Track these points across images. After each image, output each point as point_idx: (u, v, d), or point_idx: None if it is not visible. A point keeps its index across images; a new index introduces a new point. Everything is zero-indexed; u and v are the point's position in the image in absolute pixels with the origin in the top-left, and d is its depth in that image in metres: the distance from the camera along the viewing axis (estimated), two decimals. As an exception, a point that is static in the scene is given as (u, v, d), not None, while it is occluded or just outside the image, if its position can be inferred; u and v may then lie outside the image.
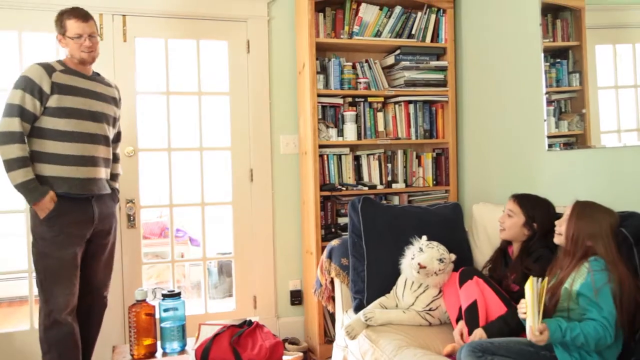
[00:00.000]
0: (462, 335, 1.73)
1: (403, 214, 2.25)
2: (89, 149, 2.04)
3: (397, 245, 2.07)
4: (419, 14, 2.77)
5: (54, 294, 1.98)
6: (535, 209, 1.84)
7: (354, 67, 2.74)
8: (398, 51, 2.74)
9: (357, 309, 2.08)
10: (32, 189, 1.93)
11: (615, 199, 1.81)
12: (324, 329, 2.66)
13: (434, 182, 2.86)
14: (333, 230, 2.69)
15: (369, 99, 2.78)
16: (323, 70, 2.73)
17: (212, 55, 2.82)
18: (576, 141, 2.08)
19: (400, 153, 2.84)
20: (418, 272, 1.91)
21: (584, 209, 1.53)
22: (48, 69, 1.99)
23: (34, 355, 2.42)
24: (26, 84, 1.94)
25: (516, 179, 2.39)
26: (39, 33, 2.48)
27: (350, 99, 2.77)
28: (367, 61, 2.76)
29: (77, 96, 2.02)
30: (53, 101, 1.97)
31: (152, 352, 1.78)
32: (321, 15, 2.67)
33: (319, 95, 2.65)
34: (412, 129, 2.83)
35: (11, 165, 1.92)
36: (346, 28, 2.69)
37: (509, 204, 1.90)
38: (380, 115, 2.80)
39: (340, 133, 2.73)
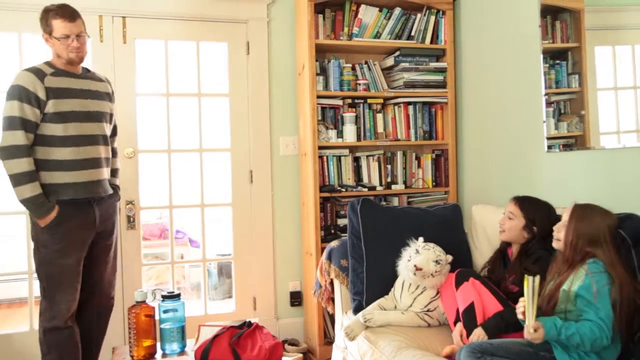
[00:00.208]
0: (462, 336, 1.73)
1: (402, 215, 2.25)
2: (91, 151, 2.02)
3: (396, 246, 2.07)
4: (419, 15, 2.77)
5: (56, 301, 1.97)
6: (536, 212, 1.84)
7: (353, 68, 2.74)
8: (397, 52, 2.75)
9: (357, 310, 2.09)
10: (39, 204, 1.90)
11: (614, 200, 1.81)
12: (323, 330, 2.66)
13: (434, 184, 2.87)
14: (332, 231, 2.70)
15: (369, 101, 2.78)
16: (323, 71, 2.73)
17: (212, 57, 2.83)
18: (575, 142, 2.08)
19: (399, 154, 2.84)
20: (414, 274, 1.92)
21: (583, 214, 1.52)
22: (39, 74, 1.92)
23: (33, 356, 2.42)
24: (21, 94, 1.89)
25: (516, 180, 2.40)
26: (38, 34, 2.47)
27: (349, 101, 2.77)
28: (366, 63, 2.77)
29: (72, 98, 1.98)
30: (50, 107, 1.93)
31: (151, 353, 1.78)
32: (321, 16, 2.67)
33: (319, 97, 2.66)
34: (412, 130, 2.83)
35: (18, 180, 1.88)
36: (346, 29, 2.69)
37: (509, 206, 1.90)
38: (379, 116, 2.80)
39: (340, 134, 2.74)
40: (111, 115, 2.18)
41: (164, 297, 1.84)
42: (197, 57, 2.76)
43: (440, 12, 2.78)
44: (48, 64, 2.00)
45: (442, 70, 2.80)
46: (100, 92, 2.10)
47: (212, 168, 2.92)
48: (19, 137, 1.88)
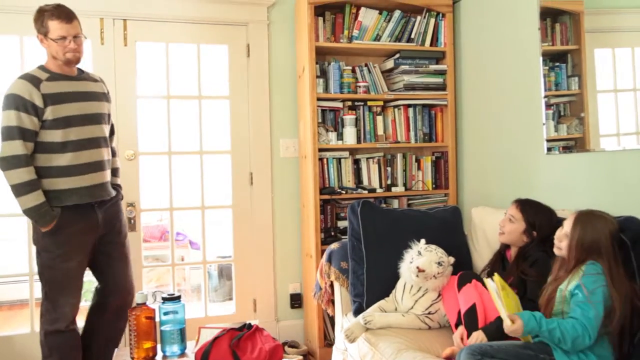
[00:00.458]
0: (462, 338, 1.73)
1: (402, 217, 2.26)
2: (93, 155, 2.01)
3: (396, 248, 2.08)
4: (418, 18, 2.78)
5: (59, 304, 1.97)
6: (537, 217, 1.84)
7: (353, 71, 2.75)
8: (397, 55, 2.75)
9: (357, 312, 2.09)
10: (42, 214, 1.89)
11: (614, 202, 1.83)
12: (323, 332, 2.67)
13: (434, 186, 2.87)
14: (333, 233, 2.70)
15: (369, 103, 2.79)
16: (323, 74, 2.74)
17: (213, 59, 2.84)
18: (575, 145, 2.08)
19: (399, 157, 2.85)
20: (417, 276, 1.92)
21: (585, 223, 1.52)
22: (34, 81, 1.88)
23: (34, 358, 2.42)
24: (17, 103, 1.85)
25: (515, 183, 2.40)
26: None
27: (349, 103, 2.78)
28: (366, 65, 2.78)
29: (71, 102, 1.95)
30: (48, 113, 1.89)
31: (152, 355, 1.79)
32: (321, 19, 2.68)
33: (319, 99, 2.66)
34: (412, 133, 2.84)
35: (19, 190, 1.87)
36: (346, 32, 2.70)
37: (511, 209, 1.91)
38: (379, 119, 2.81)
39: (340, 137, 2.75)
40: (109, 115, 2.16)
41: (165, 299, 1.84)
42: (197, 59, 2.77)
43: (440, 15, 2.79)
44: (42, 68, 1.95)
45: (441, 73, 2.80)
46: (97, 93, 2.07)
47: (212, 170, 2.93)
48: (18, 147, 1.86)
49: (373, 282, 2.11)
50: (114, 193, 2.12)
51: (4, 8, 2.44)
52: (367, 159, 2.82)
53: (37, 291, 2.24)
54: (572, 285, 1.48)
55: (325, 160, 2.72)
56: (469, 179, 2.79)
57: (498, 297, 1.51)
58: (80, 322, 2.12)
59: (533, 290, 1.70)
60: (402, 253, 2.04)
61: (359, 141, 2.75)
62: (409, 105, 2.83)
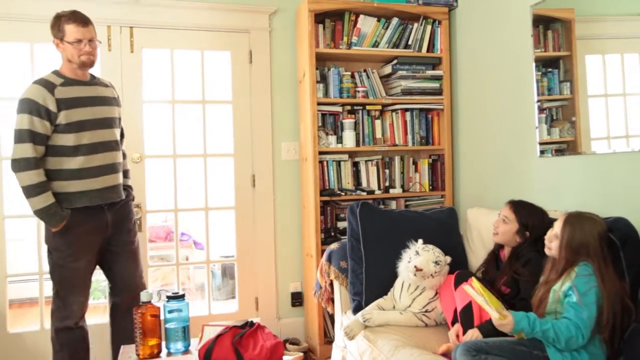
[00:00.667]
0: (457, 335, 1.75)
1: (400, 218, 2.28)
2: (104, 158, 2.03)
3: (394, 248, 2.10)
4: (415, 25, 2.81)
5: (69, 302, 2.01)
6: (529, 218, 1.86)
7: (352, 76, 2.78)
8: (395, 61, 2.79)
9: (356, 310, 2.11)
10: (52, 214, 1.92)
11: (605, 203, 1.84)
12: (323, 329, 2.69)
13: (430, 188, 2.90)
14: (332, 234, 2.73)
15: (367, 107, 2.82)
16: (323, 79, 2.77)
17: (216, 65, 2.87)
18: (567, 148, 2.11)
19: (397, 159, 2.88)
20: (414, 275, 1.94)
21: (574, 224, 1.55)
22: (48, 86, 1.92)
23: (44, 355, 2.47)
24: (31, 107, 1.89)
25: (509, 184, 2.42)
26: (50, 44, 2.54)
27: (349, 107, 2.81)
28: (365, 71, 2.81)
29: (84, 107, 1.98)
30: (62, 118, 1.93)
31: (157, 352, 1.79)
32: (321, 26, 2.71)
33: (319, 104, 2.70)
34: (409, 136, 2.87)
35: (29, 192, 1.90)
36: (345, 39, 2.73)
37: (504, 210, 1.92)
38: (378, 122, 2.84)
39: (340, 140, 2.78)
40: (119, 119, 2.20)
41: (169, 298, 1.83)
42: (201, 65, 2.80)
43: (436, 22, 2.82)
44: (57, 73, 2.00)
45: (438, 78, 2.83)
46: (108, 97, 2.11)
47: (215, 173, 2.95)
48: (27, 150, 1.89)
49: (372, 281, 2.13)
50: (123, 195, 2.14)
51: (15, 16, 2.49)
52: (366, 161, 2.85)
53: (47, 290, 2.28)
54: (565, 286, 1.50)
55: (325, 162, 2.75)
56: (464, 181, 2.82)
57: (481, 297, 1.54)
58: (89, 320, 2.17)
59: (526, 290, 1.73)
60: (399, 253, 2.06)
61: (358, 144, 2.78)
62: (407, 110, 2.86)
